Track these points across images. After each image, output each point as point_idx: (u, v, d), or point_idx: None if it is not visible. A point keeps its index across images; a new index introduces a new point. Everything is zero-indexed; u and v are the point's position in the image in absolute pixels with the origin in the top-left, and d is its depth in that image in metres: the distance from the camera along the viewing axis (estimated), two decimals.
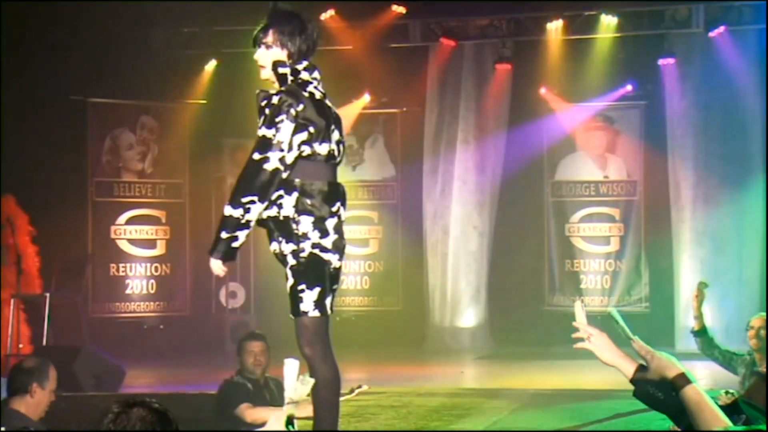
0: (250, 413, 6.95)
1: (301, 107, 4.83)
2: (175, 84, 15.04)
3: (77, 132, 14.71)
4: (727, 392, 6.25)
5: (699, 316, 7.62)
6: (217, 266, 4.85)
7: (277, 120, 4.81)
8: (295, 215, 4.85)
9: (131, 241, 15.05)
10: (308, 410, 4.82)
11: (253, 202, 4.78)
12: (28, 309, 11.97)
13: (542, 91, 15.18)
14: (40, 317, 11.48)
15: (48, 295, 11.67)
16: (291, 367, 4.20)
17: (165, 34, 15.09)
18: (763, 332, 7.42)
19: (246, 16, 14.28)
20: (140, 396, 3.15)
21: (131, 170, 15.18)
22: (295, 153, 4.83)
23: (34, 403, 5.96)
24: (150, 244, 15.18)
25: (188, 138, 15.38)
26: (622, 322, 3.44)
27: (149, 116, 15.30)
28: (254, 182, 4.79)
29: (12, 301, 11.54)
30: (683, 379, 3.24)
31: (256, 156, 4.81)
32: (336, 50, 14.08)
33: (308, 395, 4.40)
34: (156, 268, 15.20)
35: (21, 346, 11.55)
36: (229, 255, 4.85)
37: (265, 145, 4.81)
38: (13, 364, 7.45)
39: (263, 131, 4.84)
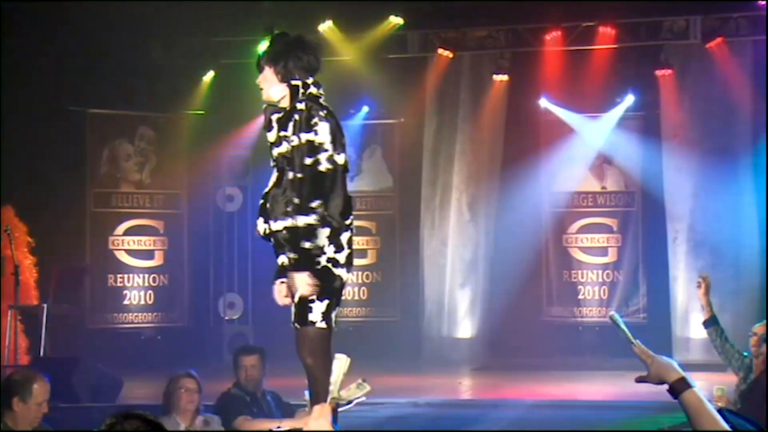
0: (248, 425, 6.96)
1: (324, 112, 4.98)
2: (174, 95, 15.05)
3: (76, 143, 14.71)
4: (719, 389, 6.34)
5: (707, 305, 7.67)
6: (302, 282, 4.88)
7: (312, 123, 4.93)
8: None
9: (129, 252, 15.04)
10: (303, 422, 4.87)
11: (321, 205, 4.88)
12: (25, 320, 11.96)
13: (541, 101, 15.21)
14: (38, 328, 11.46)
15: (46, 305, 11.65)
16: (339, 363, 4.15)
17: (163, 45, 15.10)
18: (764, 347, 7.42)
19: (243, 28, 14.39)
20: (135, 408, 3.17)
21: (129, 181, 15.18)
22: (338, 151, 4.94)
23: (18, 416, 5.96)
24: (148, 254, 15.17)
25: (186, 149, 15.38)
26: (623, 326, 3.45)
27: (147, 127, 15.30)
28: (316, 186, 4.87)
29: (9, 311, 11.52)
30: (683, 384, 3.22)
31: (308, 161, 4.89)
32: (334, 61, 14.09)
33: (360, 397, 4.32)
34: (154, 278, 15.19)
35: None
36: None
37: (311, 149, 4.90)
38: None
39: (304, 136, 4.92)
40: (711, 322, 7.65)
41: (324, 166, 4.89)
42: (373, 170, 15.87)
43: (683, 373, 3.24)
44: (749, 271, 14.13)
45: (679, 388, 3.22)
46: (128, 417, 2.99)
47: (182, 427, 6.65)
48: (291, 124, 4.98)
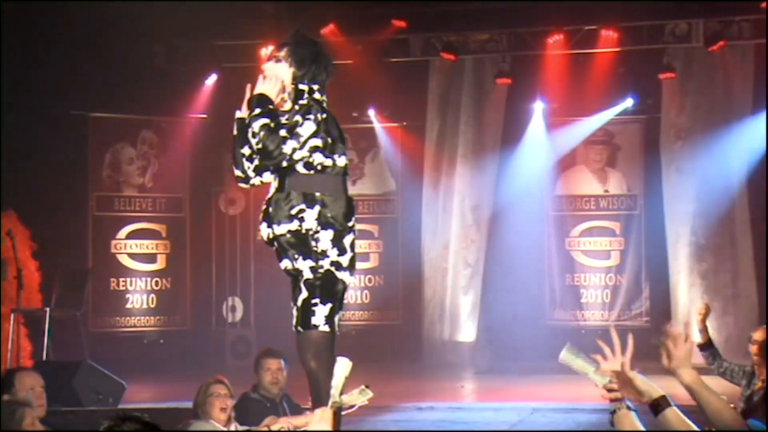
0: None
1: (324, 116, 5.02)
2: (176, 98, 15.06)
3: (78, 146, 14.73)
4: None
5: (704, 330, 7.73)
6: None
7: (307, 116, 4.97)
8: (318, 228, 4.91)
9: (132, 256, 15.05)
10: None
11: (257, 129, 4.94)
12: (28, 323, 11.96)
13: (540, 105, 15.22)
14: (41, 332, 11.46)
15: (48, 309, 11.65)
16: (341, 366, 4.16)
17: (166, 48, 15.12)
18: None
19: (246, 31, 14.39)
20: (132, 411, 3.18)
21: (132, 184, 15.20)
22: (304, 152, 4.94)
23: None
24: (150, 258, 15.18)
25: (189, 152, 15.39)
26: (580, 362, 3.59)
27: (150, 131, 15.32)
28: (266, 140, 4.91)
29: (12, 315, 11.52)
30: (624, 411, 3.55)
31: (283, 132, 4.94)
32: (336, 64, 14.09)
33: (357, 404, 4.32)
34: (156, 282, 15.20)
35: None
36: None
37: (291, 129, 4.95)
38: None
39: (297, 117, 4.98)
40: (707, 346, 7.73)
41: (288, 148, 4.92)
42: (376, 173, 15.88)
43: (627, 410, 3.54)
44: (750, 275, 14.12)
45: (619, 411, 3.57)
46: (126, 419, 3.00)
47: (231, 428, 6.44)
48: (295, 112, 5.03)
